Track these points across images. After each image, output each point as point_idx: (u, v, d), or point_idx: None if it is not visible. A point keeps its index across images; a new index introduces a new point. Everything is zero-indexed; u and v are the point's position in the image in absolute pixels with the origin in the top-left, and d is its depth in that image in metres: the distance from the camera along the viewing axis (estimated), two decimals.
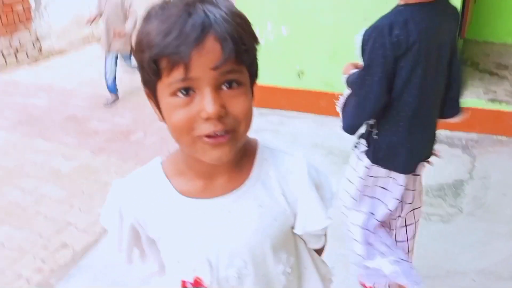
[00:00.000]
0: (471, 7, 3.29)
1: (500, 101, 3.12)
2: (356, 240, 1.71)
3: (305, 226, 0.92)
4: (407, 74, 1.45)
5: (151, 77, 0.77)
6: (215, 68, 0.73)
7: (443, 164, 2.59)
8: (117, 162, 3.49)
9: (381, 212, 1.66)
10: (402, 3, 1.49)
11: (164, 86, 0.76)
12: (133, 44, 0.81)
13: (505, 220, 2.41)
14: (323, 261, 1.04)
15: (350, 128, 1.57)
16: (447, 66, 1.56)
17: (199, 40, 0.71)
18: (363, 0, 3.12)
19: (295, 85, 3.49)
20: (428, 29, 1.44)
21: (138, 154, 3.57)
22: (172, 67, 0.73)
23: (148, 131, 3.91)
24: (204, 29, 0.72)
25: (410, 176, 1.61)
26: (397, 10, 1.48)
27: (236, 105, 0.76)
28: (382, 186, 1.64)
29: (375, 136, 1.59)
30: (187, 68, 0.72)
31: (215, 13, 0.74)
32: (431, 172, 1.76)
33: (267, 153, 0.91)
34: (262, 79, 3.66)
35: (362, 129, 1.63)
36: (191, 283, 0.91)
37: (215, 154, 0.78)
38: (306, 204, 0.90)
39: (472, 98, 3.15)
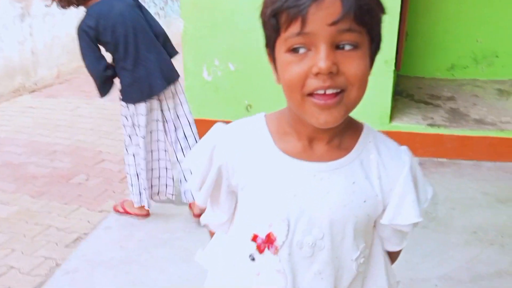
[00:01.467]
0: (403, 44, 3.54)
1: (439, 126, 3.32)
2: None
3: (394, 218, 0.88)
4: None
5: (271, 35, 0.79)
6: (332, 24, 0.72)
7: None
8: (59, 205, 3.31)
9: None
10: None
11: (281, 42, 0.77)
12: (261, 7, 0.82)
13: (457, 231, 2.52)
14: (393, 271, 1.00)
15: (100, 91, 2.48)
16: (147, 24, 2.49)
17: None
18: None
19: None
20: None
21: (81, 196, 3.41)
22: (290, 21, 0.73)
23: (91, 173, 3.77)
24: None
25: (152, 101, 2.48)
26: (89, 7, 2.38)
27: (349, 66, 0.74)
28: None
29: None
30: (304, 22, 0.72)
31: None
32: None
33: (372, 136, 0.90)
34: (211, 114, 3.75)
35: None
36: (262, 239, 0.89)
37: (322, 117, 0.77)
38: (401, 195, 0.87)
39: (412, 124, 3.34)
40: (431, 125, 3.33)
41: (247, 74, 3.43)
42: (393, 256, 1.00)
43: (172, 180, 2.66)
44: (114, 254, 2.41)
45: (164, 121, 2.59)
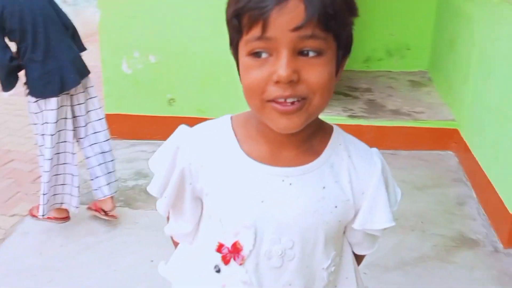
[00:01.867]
0: None
1: (358, 117, 3.42)
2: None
3: (366, 222, 0.86)
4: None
5: (233, 35, 0.76)
6: (294, 30, 0.68)
7: None
8: None
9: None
10: None
11: (243, 45, 0.73)
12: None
13: None
14: (361, 275, 0.99)
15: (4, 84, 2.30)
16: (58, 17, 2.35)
17: None
18: None
19: (166, 113, 3.43)
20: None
21: None
22: (251, 23, 0.70)
23: None
24: None
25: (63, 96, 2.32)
26: None
27: (311, 73, 0.71)
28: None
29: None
30: (265, 26, 0.69)
31: None
32: None
33: (341, 138, 0.87)
34: (131, 109, 3.60)
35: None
36: (228, 248, 0.85)
37: (282, 123, 0.74)
38: (373, 199, 0.85)
39: (334, 115, 3.42)
40: (351, 116, 3.43)
41: (169, 66, 3.33)
42: (360, 258, 1.00)
43: (77, 189, 2.45)
44: (33, 261, 2.24)
45: (74, 117, 2.42)
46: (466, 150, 3.05)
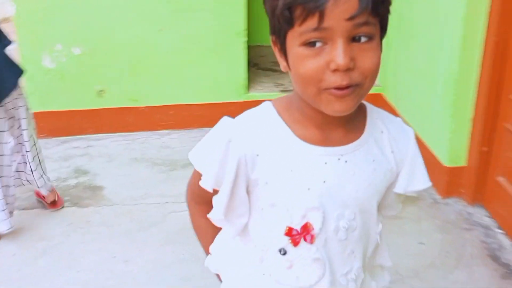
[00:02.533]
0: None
1: (290, 90, 3.52)
2: None
3: (409, 185, 0.93)
4: None
5: (282, 26, 0.77)
6: (350, 19, 0.72)
7: None
8: None
9: None
10: None
11: (295, 36, 0.75)
12: None
13: None
14: None
15: None
16: None
17: None
18: (157, 11, 3.17)
19: (97, 105, 3.31)
20: None
21: None
22: (306, 15, 0.72)
23: None
24: None
25: None
26: None
27: (365, 59, 0.76)
28: None
29: None
30: (321, 17, 0.71)
31: None
32: None
33: (376, 113, 0.93)
34: (58, 105, 3.43)
35: None
36: (297, 231, 0.88)
37: (338, 106, 0.78)
38: (412, 163, 0.93)
39: (267, 92, 3.49)
40: (283, 91, 3.52)
41: (95, 57, 3.20)
42: None
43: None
44: None
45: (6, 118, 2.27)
46: (394, 112, 3.27)
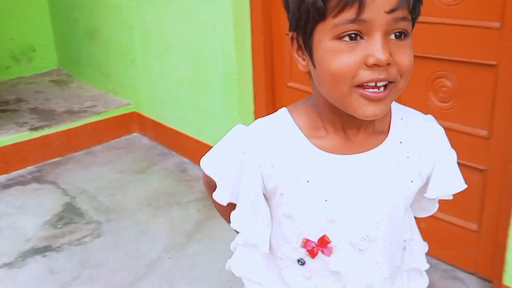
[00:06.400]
0: None
1: (42, 127, 3.13)
2: None
3: (441, 189, 0.87)
4: None
5: (309, 19, 0.71)
6: (390, 11, 0.68)
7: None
8: None
9: None
10: None
11: (328, 28, 0.70)
12: None
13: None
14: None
15: None
16: None
17: None
18: None
19: None
20: None
21: None
22: (343, 6, 0.68)
23: None
24: None
25: None
26: None
27: (402, 55, 0.72)
28: None
29: None
30: (361, 8, 0.67)
31: None
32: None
33: (400, 112, 0.86)
34: None
35: None
36: (314, 243, 0.83)
37: (370, 110, 0.72)
38: (443, 165, 0.86)
39: (13, 134, 3.03)
40: (33, 129, 3.11)
41: None
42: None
43: None
44: None
45: None
46: (151, 125, 3.32)
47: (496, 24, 1.64)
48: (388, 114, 0.85)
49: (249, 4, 2.47)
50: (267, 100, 2.63)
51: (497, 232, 1.81)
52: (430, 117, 0.90)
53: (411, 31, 0.75)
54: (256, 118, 2.61)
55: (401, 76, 0.73)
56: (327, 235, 0.82)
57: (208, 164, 0.86)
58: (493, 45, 1.66)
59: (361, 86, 0.71)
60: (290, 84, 2.51)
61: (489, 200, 1.83)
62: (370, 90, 0.71)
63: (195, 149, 2.98)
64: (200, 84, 2.84)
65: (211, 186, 0.90)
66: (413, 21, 0.75)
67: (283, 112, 0.85)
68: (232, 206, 0.87)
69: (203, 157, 0.88)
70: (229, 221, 0.90)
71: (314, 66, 0.75)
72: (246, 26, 2.52)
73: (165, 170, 3.03)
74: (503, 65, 1.66)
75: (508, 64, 1.64)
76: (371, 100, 0.72)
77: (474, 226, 1.90)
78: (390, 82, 0.72)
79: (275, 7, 2.44)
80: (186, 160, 3.11)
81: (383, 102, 0.73)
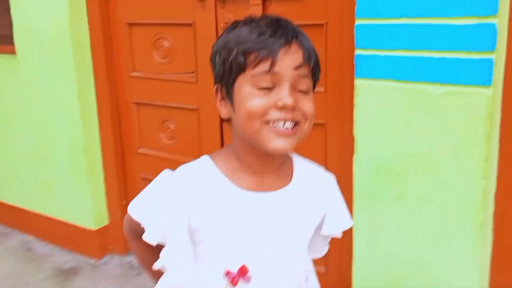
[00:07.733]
0: None
1: None
2: None
3: (334, 227, 1.03)
4: None
5: (232, 71, 0.87)
6: (296, 68, 0.86)
7: None
8: None
9: None
10: None
11: (247, 78, 0.86)
12: (216, 48, 0.92)
13: None
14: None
15: None
16: None
17: (287, 42, 0.86)
18: None
19: None
20: None
21: None
22: (260, 60, 0.85)
23: None
24: (292, 36, 0.87)
25: None
26: None
27: (305, 104, 0.88)
28: None
29: None
30: (273, 63, 0.84)
31: (298, 29, 0.90)
32: None
33: (301, 161, 1.03)
34: None
35: None
36: (234, 273, 0.93)
37: (279, 143, 0.86)
38: (337, 206, 1.04)
39: None
40: None
41: None
42: None
43: None
44: None
45: None
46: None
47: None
48: (290, 162, 1.01)
49: (92, 74, 2.49)
50: (118, 167, 2.62)
51: (342, 271, 2.00)
52: (322, 167, 1.08)
53: (313, 91, 0.93)
54: (107, 186, 2.62)
55: (305, 120, 0.89)
56: (247, 265, 0.93)
57: (137, 209, 0.93)
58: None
59: (272, 122, 0.86)
60: (141, 150, 2.54)
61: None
62: (279, 126, 0.86)
63: (41, 225, 2.81)
64: (44, 157, 2.72)
65: (134, 232, 0.98)
66: (314, 83, 0.94)
67: (205, 158, 0.96)
68: (157, 248, 0.93)
69: (131, 202, 0.94)
70: (150, 265, 0.97)
71: (234, 109, 0.90)
72: (91, 96, 2.52)
73: (7, 251, 2.78)
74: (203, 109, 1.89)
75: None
76: (279, 134, 0.86)
77: (322, 269, 2.07)
78: (296, 124, 0.88)
79: (119, 75, 2.50)
80: (31, 238, 2.89)
81: (290, 138, 0.87)
